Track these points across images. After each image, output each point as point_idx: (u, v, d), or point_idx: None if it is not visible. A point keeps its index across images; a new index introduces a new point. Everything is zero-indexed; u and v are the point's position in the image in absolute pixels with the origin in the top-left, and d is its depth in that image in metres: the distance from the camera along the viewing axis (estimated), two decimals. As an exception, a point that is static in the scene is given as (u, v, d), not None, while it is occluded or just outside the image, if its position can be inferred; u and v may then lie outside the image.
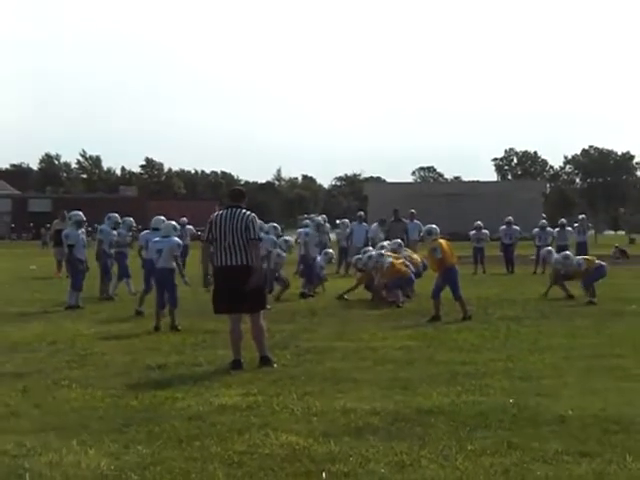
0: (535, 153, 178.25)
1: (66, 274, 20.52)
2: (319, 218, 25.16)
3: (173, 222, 15.42)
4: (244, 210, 10.58)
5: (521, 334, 13.32)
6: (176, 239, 14.76)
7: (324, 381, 9.36)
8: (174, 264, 14.61)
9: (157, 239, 15.13)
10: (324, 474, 5.96)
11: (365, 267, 19.19)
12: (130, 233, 20.96)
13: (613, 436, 6.90)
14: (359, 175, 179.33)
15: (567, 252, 19.93)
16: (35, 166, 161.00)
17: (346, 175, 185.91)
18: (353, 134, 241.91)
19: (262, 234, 19.36)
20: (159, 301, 14.55)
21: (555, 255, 19.82)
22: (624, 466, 6.09)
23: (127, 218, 20.98)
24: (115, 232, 20.36)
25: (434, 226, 16.18)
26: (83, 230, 18.84)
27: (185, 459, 6.37)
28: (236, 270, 10.36)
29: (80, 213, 18.97)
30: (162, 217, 17.00)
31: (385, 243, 21.20)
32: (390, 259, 18.51)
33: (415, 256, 20.17)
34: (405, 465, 6.17)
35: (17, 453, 6.61)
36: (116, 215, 20.53)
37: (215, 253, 10.55)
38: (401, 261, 18.93)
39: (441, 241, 15.69)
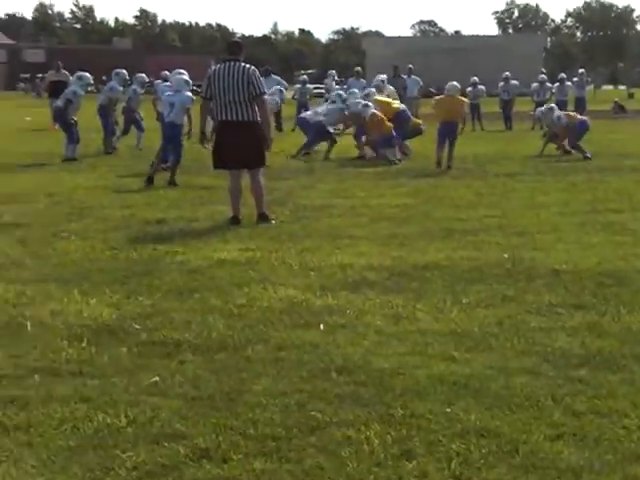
0: (537, 6, 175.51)
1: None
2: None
3: (185, 76, 14.99)
4: (243, 64, 10.27)
5: (517, 190, 13.33)
6: (188, 93, 14.39)
7: (322, 237, 9.39)
8: (185, 119, 14.43)
9: (169, 93, 14.84)
10: (322, 326, 6.04)
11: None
12: (122, 87, 20.66)
13: (607, 289, 6.96)
14: (357, 29, 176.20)
15: (552, 105, 20.34)
16: (29, 15, 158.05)
17: (344, 29, 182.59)
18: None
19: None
20: (162, 154, 14.54)
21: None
22: (618, 318, 6.15)
23: (120, 70, 20.63)
24: (121, 88, 20.20)
25: (454, 83, 17.23)
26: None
27: (186, 310, 6.44)
28: (237, 125, 10.21)
29: (89, 75, 19.06)
30: (181, 71, 16.31)
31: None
32: (372, 110, 18.15)
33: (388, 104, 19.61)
34: (401, 317, 6.24)
35: (18, 302, 6.66)
36: (124, 71, 20.32)
37: (215, 109, 10.38)
38: (389, 102, 19.10)
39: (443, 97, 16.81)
